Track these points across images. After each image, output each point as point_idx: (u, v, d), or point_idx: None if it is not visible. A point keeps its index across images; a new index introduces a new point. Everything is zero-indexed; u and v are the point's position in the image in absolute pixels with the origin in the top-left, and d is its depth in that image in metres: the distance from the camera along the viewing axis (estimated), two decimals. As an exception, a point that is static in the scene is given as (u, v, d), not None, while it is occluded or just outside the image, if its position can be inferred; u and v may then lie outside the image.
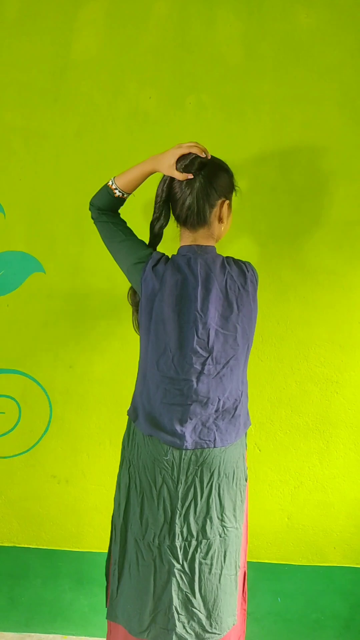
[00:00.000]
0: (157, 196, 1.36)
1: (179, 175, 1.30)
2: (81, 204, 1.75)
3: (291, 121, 1.69)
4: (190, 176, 1.29)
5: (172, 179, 1.33)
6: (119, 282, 1.74)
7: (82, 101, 1.72)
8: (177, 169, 1.31)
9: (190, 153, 1.31)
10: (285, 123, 1.70)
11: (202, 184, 1.30)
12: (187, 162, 1.30)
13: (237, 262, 1.35)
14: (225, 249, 1.40)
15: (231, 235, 1.70)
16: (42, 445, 1.85)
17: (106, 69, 1.71)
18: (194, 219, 1.32)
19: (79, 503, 1.87)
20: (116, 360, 1.81)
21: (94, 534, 1.87)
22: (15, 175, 1.76)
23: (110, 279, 1.76)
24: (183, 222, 1.34)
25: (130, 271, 1.38)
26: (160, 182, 1.36)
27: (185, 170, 1.30)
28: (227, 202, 1.35)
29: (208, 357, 1.31)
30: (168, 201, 1.36)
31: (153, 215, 1.38)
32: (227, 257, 1.36)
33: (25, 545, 1.90)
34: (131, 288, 1.42)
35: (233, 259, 1.36)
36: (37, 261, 1.79)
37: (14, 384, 1.84)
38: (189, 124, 1.70)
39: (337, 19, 1.67)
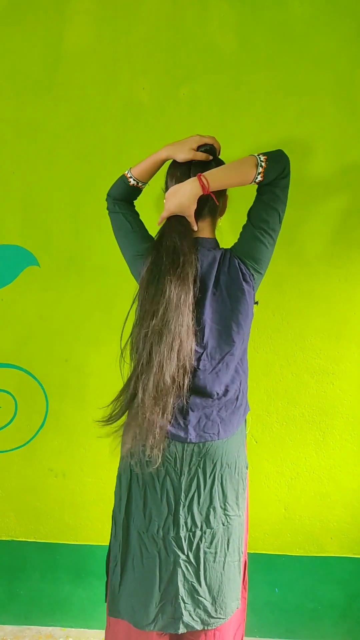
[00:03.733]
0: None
1: (201, 155, 1.31)
2: (75, 196, 1.74)
3: (285, 111, 1.68)
4: (211, 157, 1.32)
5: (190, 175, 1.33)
6: (113, 275, 1.74)
7: (75, 92, 1.71)
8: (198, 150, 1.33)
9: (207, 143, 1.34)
10: (280, 113, 1.68)
11: None
12: (208, 147, 1.33)
13: (233, 259, 1.33)
14: (221, 241, 1.39)
15: (226, 226, 1.69)
16: (38, 439, 1.85)
17: (99, 60, 1.70)
18: (207, 210, 1.33)
19: (76, 496, 1.87)
20: (112, 353, 1.79)
21: (91, 527, 1.88)
22: (8, 168, 1.75)
23: (105, 271, 1.75)
24: (195, 213, 1.33)
25: (130, 263, 1.39)
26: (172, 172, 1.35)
27: (206, 152, 1.33)
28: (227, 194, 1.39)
29: (203, 352, 1.30)
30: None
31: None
32: (226, 251, 1.34)
33: (24, 539, 1.90)
34: None
35: (232, 254, 1.34)
36: (31, 255, 1.78)
37: (10, 378, 1.83)
38: (183, 114, 1.69)
39: (331, 8, 1.65)
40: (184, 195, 1.28)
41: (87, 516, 1.88)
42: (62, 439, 1.85)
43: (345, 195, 1.71)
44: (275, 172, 1.28)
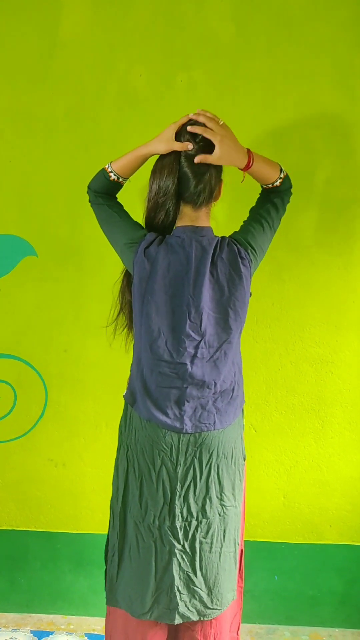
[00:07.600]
0: (163, 186, 1.29)
1: (179, 146, 1.26)
2: (72, 185, 1.73)
3: (284, 98, 1.67)
4: (191, 146, 1.26)
5: (180, 161, 1.29)
6: (111, 265, 1.73)
7: (71, 80, 1.69)
8: (177, 139, 1.28)
9: (187, 124, 1.28)
10: (278, 100, 1.67)
11: (213, 165, 1.29)
12: (190, 132, 1.27)
13: (231, 244, 1.34)
14: (220, 230, 1.39)
15: (224, 215, 1.68)
16: (38, 429, 1.86)
17: (95, 47, 1.68)
18: (204, 199, 1.31)
19: (76, 486, 1.88)
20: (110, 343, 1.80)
21: (92, 516, 1.89)
22: (5, 157, 1.74)
23: (103, 261, 1.75)
24: (189, 201, 1.31)
25: (123, 252, 1.37)
26: (162, 169, 1.30)
27: (190, 136, 1.27)
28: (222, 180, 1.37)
29: (201, 340, 1.30)
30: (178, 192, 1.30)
31: (156, 207, 1.32)
32: (223, 238, 1.34)
33: (24, 529, 1.91)
34: (122, 287, 1.45)
35: (229, 240, 1.34)
36: (29, 244, 1.77)
37: (9, 369, 1.83)
38: (180, 102, 1.67)
39: (330, -7, 1.63)
40: (231, 147, 1.29)
41: (88, 505, 1.88)
42: (61, 429, 1.86)
43: (345, 182, 1.70)
44: (288, 184, 1.41)
